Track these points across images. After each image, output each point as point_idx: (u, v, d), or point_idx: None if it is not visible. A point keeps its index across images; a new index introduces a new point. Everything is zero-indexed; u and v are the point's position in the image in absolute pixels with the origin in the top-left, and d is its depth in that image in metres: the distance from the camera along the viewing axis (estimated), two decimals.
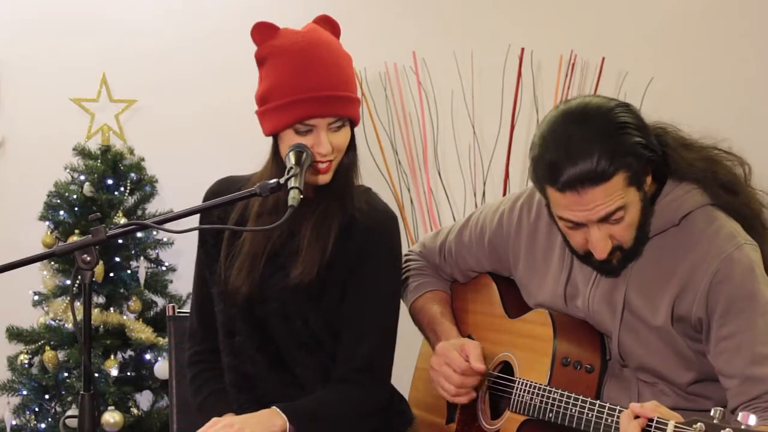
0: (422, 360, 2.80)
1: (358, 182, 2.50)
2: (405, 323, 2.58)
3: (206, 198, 2.53)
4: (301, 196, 2.18)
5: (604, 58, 3.98)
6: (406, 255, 2.76)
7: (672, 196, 2.31)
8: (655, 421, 2.05)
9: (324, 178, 2.41)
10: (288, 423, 2.34)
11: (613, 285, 2.35)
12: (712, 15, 4.12)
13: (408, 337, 2.57)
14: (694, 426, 1.97)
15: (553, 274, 2.46)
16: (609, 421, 2.18)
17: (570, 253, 2.41)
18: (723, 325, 2.24)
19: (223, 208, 2.48)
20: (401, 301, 2.59)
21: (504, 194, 4.01)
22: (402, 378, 2.60)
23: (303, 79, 2.37)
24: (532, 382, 2.38)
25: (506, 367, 2.52)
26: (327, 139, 2.36)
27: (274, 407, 2.37)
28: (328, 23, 2.49)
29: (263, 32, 2.53)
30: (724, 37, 4.12)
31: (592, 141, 2.19)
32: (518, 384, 2.41)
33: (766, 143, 3.91)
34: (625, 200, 2.21)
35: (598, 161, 2.17)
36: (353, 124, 2.44)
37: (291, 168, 2.24)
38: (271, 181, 2.18)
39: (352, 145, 2.45)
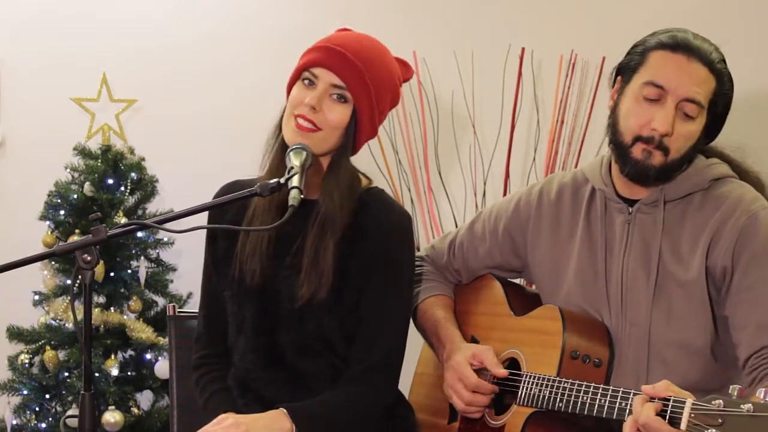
0: (422, 365, 2.81)
1: (367, 184, 2.50)
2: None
3: None
4: (302, 196, 2.18)
5: (604, 58, 3.98)
6: None
7: (702, 164, 2.44)
8: (672, 400, 2.06)
9: (294, 139, 2.37)
10: (295, 428, 2.34)
11: (645, 246, 2.41)
12: (712, 15, 4.12)
13: (408, 341, 2.58)
14: (713, 402, 1.96)
15: (580, 249, 2.49)
16: (623, 405, 2.20)
17: (600, 221, 2.46)
18: (745, 276, 2.32)
19: (236, 210, 2.49)
20: None
21: (504, 194, 4.01)
22: (402, 381, 2.61)
23: (328, 37, 2.44)
24: (540, 374, 2.38)
25: (512, 364, 2.53)
26: (321, 98, 2.37)
27: (281, 409, 2.37)
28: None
29: None
30: (724, 37, 4.12)
31: (707, 44, 2.42)
32: (525, 378, 2.42)
33: (767, 143, 3.92)
34: (705, 103, 2.37)
35: (710, 55, 2.39)
36: (357, 121, 2.41)
37: (292, 168, 2.24)
38: (272, 181, 2.18)
39: (347, 151, 2.43)
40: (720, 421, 1.93)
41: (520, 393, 2.43)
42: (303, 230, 2.43)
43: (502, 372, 2.47)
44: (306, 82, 2.40)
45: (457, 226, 4.02)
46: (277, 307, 2.45)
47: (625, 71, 2.45)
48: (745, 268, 2.31)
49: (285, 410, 2.36)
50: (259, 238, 2.45)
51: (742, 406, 1.92)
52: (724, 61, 2.43)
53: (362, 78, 2.39)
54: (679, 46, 2.39)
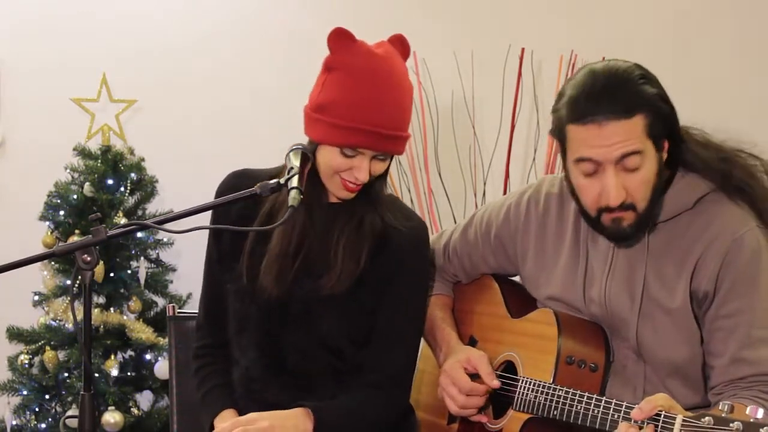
0: (423, 362, 2.81)
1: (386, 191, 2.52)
2: None
3: (219, 192, 2.52)
4: (302, 197, 2.17)
5: (604, 58, 3.97)
6: None
7: (684, 182, 2.35)
8: (662, 416, 2.05)
9: (347, 195, 2.41)
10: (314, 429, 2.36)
11: (630, 271, 2.36)
12: (712, 14, 4.12)
13: None
14: (702, 419, 1.96)
15: (565, 265, 2.46)
16: (615, 416, 2.18)
17: (584, 243, 2.42)
18: (724, 303, 2.28)
19: (245, 204, 2.47)
20: None
21: (504, 194, 4.01)
22: None
23: (369, 111, 2.34)
24: (536, 380, 2.38)
25: (509, 367, 2.52)
26: (368, 167, 2.37)
27: (307, 408, 2.38)
28: (400, 44, 2.45)
29: (340, 41, 2.39)
30: (724, 37, 4.12)
31: (615, 83, 2.26)
32: (522, 382, 2.42)
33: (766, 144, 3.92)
34: (643, 147, 2.24)
35: (621, 98, 2.23)
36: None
37: (292, 168, 2.24)
38: (272, 182, 2.18)
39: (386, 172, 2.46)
40: None
41: (516, 398, 2.43)
42: (330, 232, 2.44)
43: (495, 384, 2.46)
44: (346, 154, 2.37)
45: None
46: (287, 307, 2.45)
47: (557, 140, 2.34)
48: (725, 294, 2.28)
49: (309, 409, 2.38)
50: (275, 236, 2.45)
51: (731, 424, 1.92)
52: (640, 77, 2.29)
53: (404, 138, 2.40)
54: (585, 115, 2.23)
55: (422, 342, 2.78)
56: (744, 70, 4.12)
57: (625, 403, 2.18)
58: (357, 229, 2.43)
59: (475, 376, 2.50)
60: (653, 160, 2.27)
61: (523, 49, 4.02)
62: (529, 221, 2.55)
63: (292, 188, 2.17)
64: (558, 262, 2.48)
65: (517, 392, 2.43)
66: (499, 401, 2.52)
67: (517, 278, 2.76)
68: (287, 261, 2.43)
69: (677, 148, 2.34)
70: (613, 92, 2.25)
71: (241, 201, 2.41)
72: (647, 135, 2.24)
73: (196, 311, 2.68)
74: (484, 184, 4.07)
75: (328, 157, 2.37)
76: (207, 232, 2.56)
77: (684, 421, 2.00)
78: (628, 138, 2.22)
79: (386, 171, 2.46)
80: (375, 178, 2.43)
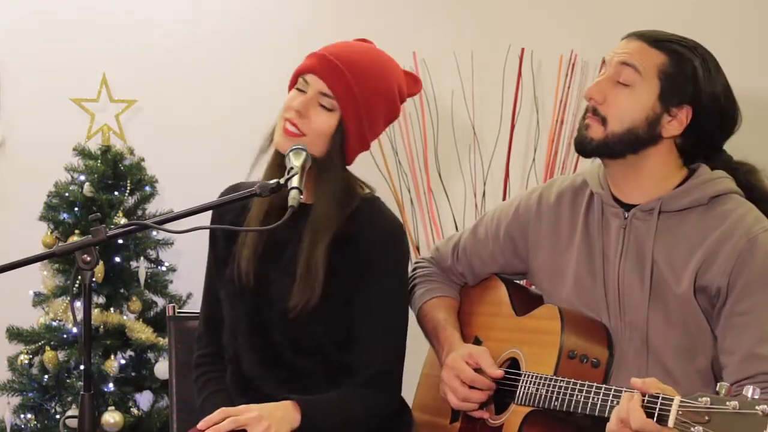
0: (428, 366, 2.82)
1: (361, 193, 2.52)
2: (410, 329, 2.59)
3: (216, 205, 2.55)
4: (302, 197, 2.18)
5: (603, 60, 3.98)
6: (415, 262, 2.81)
7: (703, 178, 2.40)
8: (660, 398, 2.06)
9: (281, 142, 2.41)
10: (301, 421, 2.37)
11: (640, 251, 2.39)
12: (712, 16, 4.12)
13: (414, 344, 2.59)
14: (700, 399, 1.97)
15: (579, 252, 2.49)
16: (614, 403, 2.20)
17: (598, 229, 2.45)
18: (738, 301, 2.29)
19: (236, 213, 2.51)
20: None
21: (504, 194, 4.01)
22: (407, 383, 2.62)
23: (329, 45, 2.47)
24: (538, 374, 2.39)
25: (513, 364, 2.53)
26: (307, 104, 2.40)
27: (294, 401, 2.39)
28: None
29: None
30: (724, 38, 4.12)
31: (675, 36, 2.43)
32: (524, 377, 2.43)
33: (767, 143, 3.92)
34: (644, 73, 2.37)
35: (657, 35, 2.41)
36: (344, 131, 2.42)
37: (291, 168, 2.25)
38: (272, 182, 2.18)
39: (335, 159, 2.44)
40: (707, 418, 1.94)
41: (518, 392, 2.44)
42: (297, 234, 2.45)
43: (497, 373, 2.47)
44: (298, 88, 2.44)
45: (457, 227, 4.03)
46: (270, 308, 2.47)
47: None
48: (740, 292, 2.29)
49: (296, 402, 2.39)
50: (254, 240, 2.47)
51: (728, 403, 1.92)
52: (691, 49, 2.39)
53: (350, 88, 2.41)
54: (628, 35, 2.44)
55: (427, 347, 2.78)
56: (744, 70, 4.12)
57: (624, 389, 2.19)
58: (313, 246, 2.42)
59: (477, 372, 2.51)
60: (648, 99, 2.37)
61: (523, 49, 4.02)
62: (541, 212, 2.58)
63: (293, 188, 2.18)
64: (572, 252, 2.50)
65: (519, 387, 2.44)
66: (501, 398, 2.53)
67: (523, 282, 2.77)
68: (263, 260, 2.47)
69: (703, 132, 2.41)
70: (656, 33, 2.42)
71: (232, 211, 2.44)
72: (657, 73, 2.37)
73: (196, 311, 2.69)
74: (484, 184, 4.07)
75: (285, 101, 2.46)
76: (207, 232, 2.57)
77: (681, 402, 2.01)
78: (638, 57, 2.37)
79: (336, 174, 2.45)
80: (327, 195, 2.43)
